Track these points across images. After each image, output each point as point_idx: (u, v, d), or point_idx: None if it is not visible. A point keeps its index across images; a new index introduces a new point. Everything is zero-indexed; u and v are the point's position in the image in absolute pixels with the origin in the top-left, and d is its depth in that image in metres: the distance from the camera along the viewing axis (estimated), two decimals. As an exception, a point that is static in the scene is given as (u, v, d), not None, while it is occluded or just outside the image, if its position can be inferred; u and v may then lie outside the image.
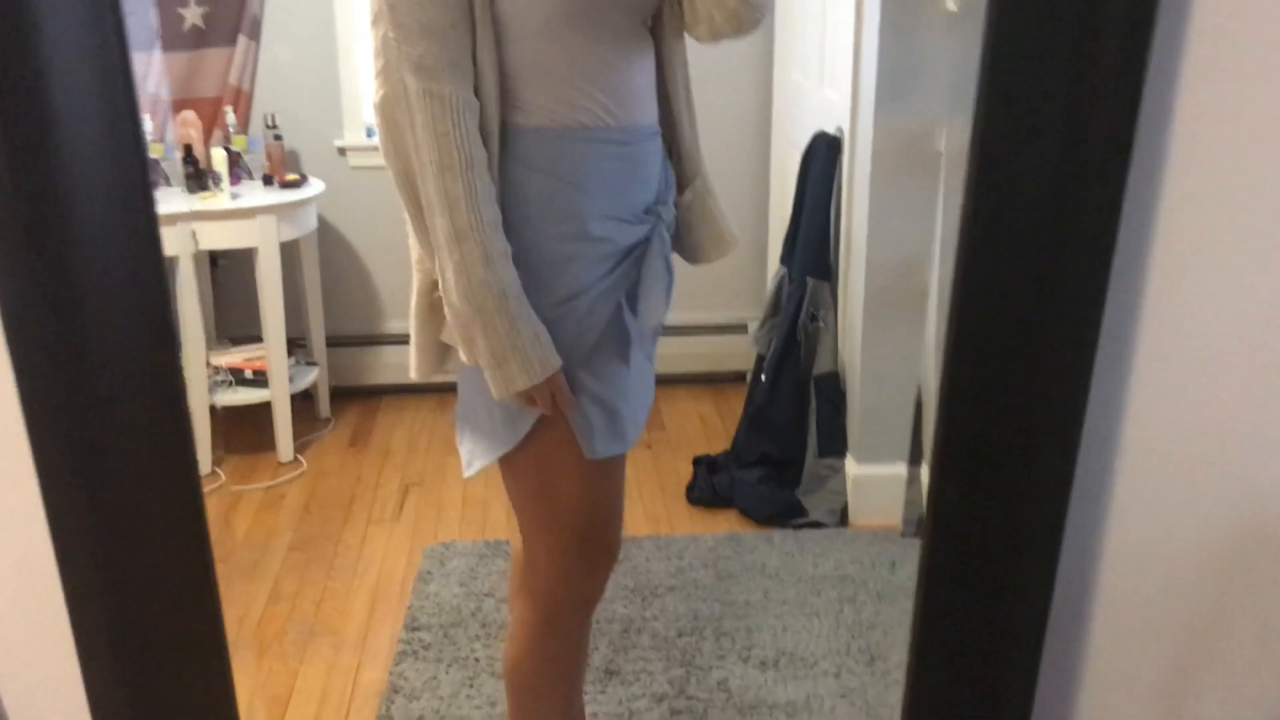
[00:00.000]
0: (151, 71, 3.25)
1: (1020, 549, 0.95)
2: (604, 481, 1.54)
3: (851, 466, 2.89)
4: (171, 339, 0.97)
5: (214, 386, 3.26)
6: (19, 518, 1.02)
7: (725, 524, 2.91)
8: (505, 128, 1.39)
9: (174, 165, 3.16)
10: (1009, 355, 0.90)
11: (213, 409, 3.34)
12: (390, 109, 1.37)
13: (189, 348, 3.08)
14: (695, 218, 1.60)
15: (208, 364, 3.25)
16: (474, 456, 1.55)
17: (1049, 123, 0.82)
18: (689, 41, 1.52)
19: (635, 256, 1.47)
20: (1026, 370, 0.90)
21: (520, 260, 1.38)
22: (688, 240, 1.61)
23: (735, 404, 3.48)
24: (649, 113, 1.48)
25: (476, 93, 1.35)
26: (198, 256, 3.27)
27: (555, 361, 1.38)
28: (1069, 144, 0.82)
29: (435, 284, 1.45)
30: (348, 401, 3.69)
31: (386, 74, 1.36)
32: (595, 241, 1.42)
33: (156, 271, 0.92)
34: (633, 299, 1.48)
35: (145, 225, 0.91)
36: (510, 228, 1.38)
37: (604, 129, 1.41)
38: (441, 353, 1.53)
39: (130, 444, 0.94)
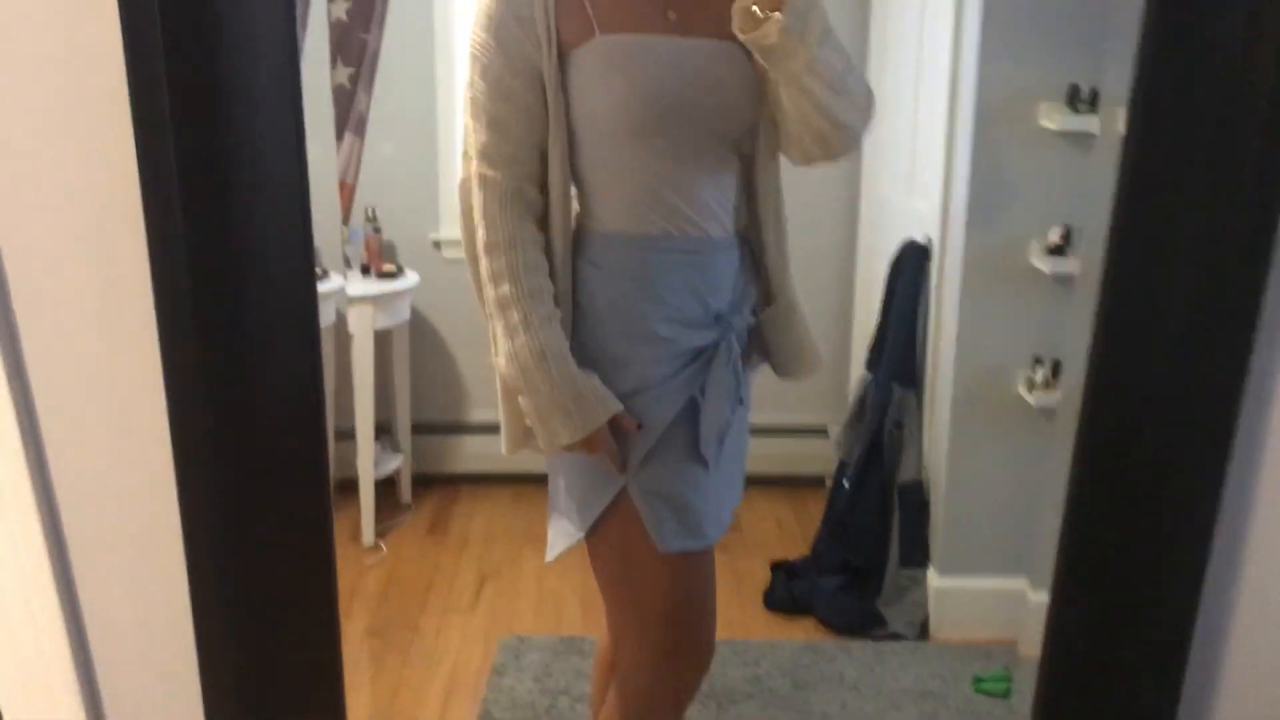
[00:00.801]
0: (337, 157, 3.40)
1: (1141, 678, 0.93)
2: (686, 577, 1.55)
3: (934, 578, 2.84)
4: (321, 414, 1.02)
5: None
6: (159, 566, 1.06)
7: (803, 632, 2.87)
8: (579, 229, 1.51)
9: (356, 249, 3.32)
10: (1137, 481, 0.90)
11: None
12: (464, 191, 1.51)
13: (361, 423, 3.23)
14: (778, 333, 1.64)
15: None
16: (555, 541, 1.61)
17: (1183, 250, 0.83)
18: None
19: (703, 360, 1.52)
20: (1153, 496, 0.89)
21: (587, 355, 1.48)
22: (772, 353, 1.65)
23: (813, 508, 3.45)
24: (724, 225, 1.52)
25: (543, 188, 1.47)
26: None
27: (599, 416, 1.44)
28: (1203, 269, 0.83)
29: None
30: (429, 489, 3.73)
31: (464, 160, 1.50)
32: (659, 342, 1.49)
33: (314, 350, 0.98)
34: (698, 400, 1.53)
35: (307, 305, 0.97)
36: (579, 323, 1.50)
37: (670, 239, 1.48)
38: (527, 430, 1.58)
39: (273, 515, 0.99)
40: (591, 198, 1.51)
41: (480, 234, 1.47)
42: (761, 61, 1.40)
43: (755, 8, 1.33)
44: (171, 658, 1.12)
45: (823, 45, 1.36)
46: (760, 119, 1.51)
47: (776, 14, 1.31)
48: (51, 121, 0.95)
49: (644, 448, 1.50)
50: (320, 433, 1.03)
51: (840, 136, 1.45)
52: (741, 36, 1.35)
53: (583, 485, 1.53)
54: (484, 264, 1.46)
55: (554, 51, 1.42)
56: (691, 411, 1.51)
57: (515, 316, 1.44)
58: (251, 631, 1.07)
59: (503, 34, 1.42)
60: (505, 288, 1.44)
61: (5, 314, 1.00)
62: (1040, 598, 2.53)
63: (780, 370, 1.67)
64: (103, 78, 0.92)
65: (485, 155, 1.45)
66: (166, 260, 0.90)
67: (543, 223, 1.48)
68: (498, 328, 1.46)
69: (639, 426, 1.47)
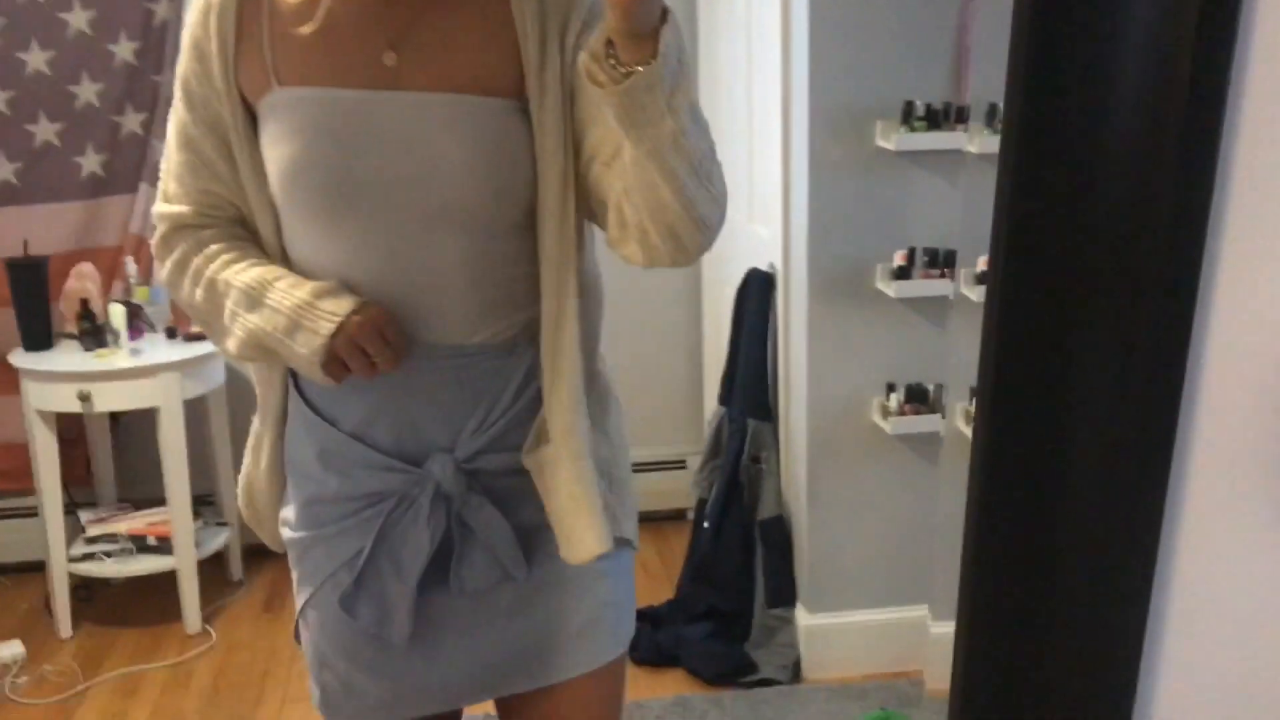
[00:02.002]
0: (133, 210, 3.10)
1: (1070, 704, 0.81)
2: None
3: (803, 616, 2.73)
4: None
5: (112, 554, 3.01)
6: None
7: (672, 685, 2.72)
8: None
9: (160, 310, 3.04)
10: (1039, 495, 0.78)
11: (108, 581, 3.10)
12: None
13: (46, 511, 2.92)
14: (544, 493, 1.23)
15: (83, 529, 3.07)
16: None
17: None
18: None
19: (386, 512, 1.21)
20: (1060, 510, 0.77)
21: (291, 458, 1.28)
22: (551, 519, 1.24)
23: (676, 545, 3.31)
24: (451, 332, 1.20)
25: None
26: (95, 417, 3.07)
27: (325, 320, 1.13)
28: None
29: None
30: (262, 560, 3.44)
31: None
32: (297, 478, 1.27)
33: None
34: (394, 562, 1.22)
35: None
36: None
37: None
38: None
39: None
40: None
41: (160, 277, 1.27)
42: (619, 131, 1.06)
43: (609, 57, 1.00)
44: None
45: (692, 115, 1.06)
46: (542, 195, 1.18)
47: (645, 65, 0.99)
48: None
49: (299, 597, 1.27)
50: None
51: (698, 236, 1.13)
52: (600, 91, 1.02)
53: None
54: (180, 301, 1.25)
55: (235, 103, 1.18)
56: (348, 570, 1.23)
57: (225, 312, 1.19)
58: None
59: (187, 70, 1.19)
60: (200, 305, 1.22)
61: None
62: (942, 629, 2.44)
63: (559, 544, 1.24)
64: None
65: (164, 196, 1.24)
66: None
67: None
68: (226, 344, 1.21)
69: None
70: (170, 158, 1.23)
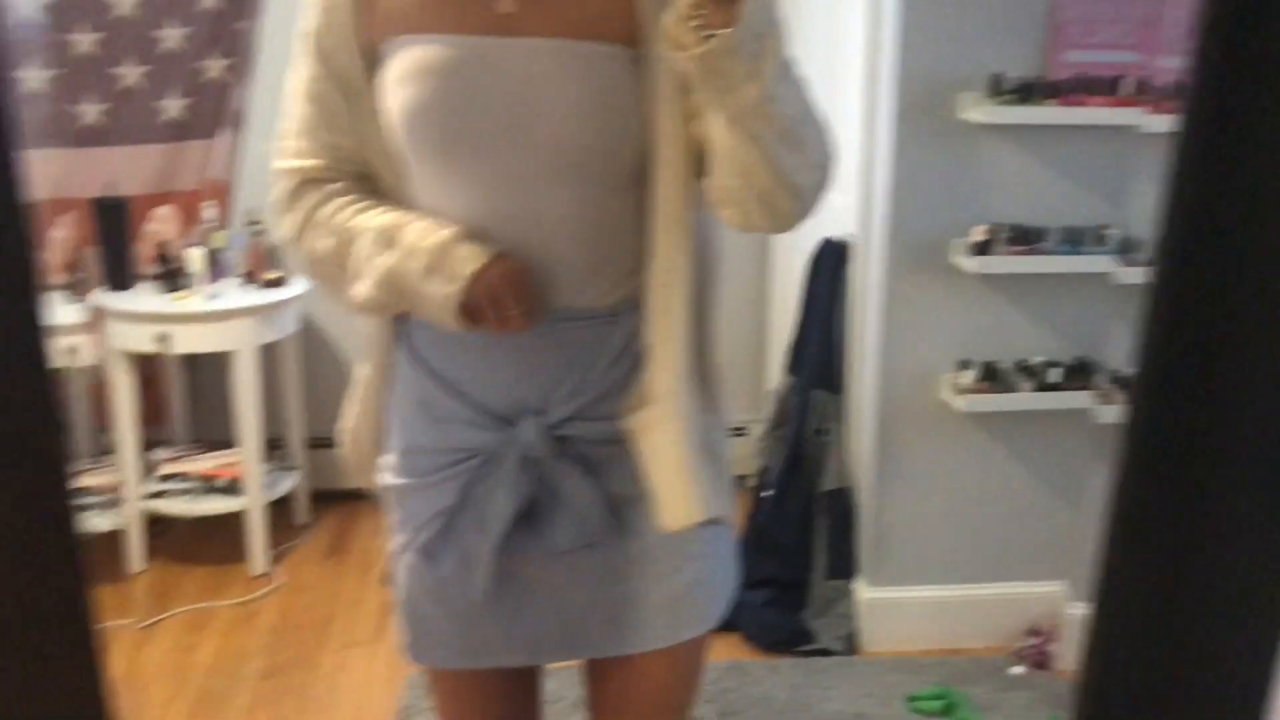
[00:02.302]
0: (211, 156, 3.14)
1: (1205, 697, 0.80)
2: (457, 697, 1.35)
3: (862, 589, 2.72)
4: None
5: (183, 493, 3.08)
6: None
7: (728, 650, 2.73)
8: None
9: (237, 255, 3.06)
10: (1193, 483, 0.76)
11: (178, 520, 3.17)
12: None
13: (121, 448, 2.97)
14: (643, 453, 1.20)
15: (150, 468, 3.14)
16: None
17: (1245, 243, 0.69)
18: None
19: (474, 468, 1.22)
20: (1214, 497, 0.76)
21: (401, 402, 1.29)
22: (647, 483, 1.22)
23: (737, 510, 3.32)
24: (565, 290, 1.18)
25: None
26: (170, 359, 3.13)
27: (463, 266, 1.12)
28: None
29: None
30: (327, 506, 3.50)
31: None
32: (397, 428, 1.28)
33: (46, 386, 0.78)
34: (478, 518, 1.23)
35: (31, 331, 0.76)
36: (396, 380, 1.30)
37: None
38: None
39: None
40: None
41: (282, 232, 1.27)
42: (701, 95, 1.05)
43: (693, 19, 0.99)
44: None
45: (781, 80, 1.03)
46: (657, 146, 1.14)
47: (724, 30, 0.98)
48: None
49: (396, 543, 1.30)
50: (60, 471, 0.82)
51: (793, 203, 1.10)
52: (677, 55, 1.01)
53: None
54: (299, 259, 1.26)
55: (357, 55, 1.18)
56: (437, 520, 1.25)
57: (358, 256, 1.18)
58: None
59: (313, 27, 1.20)
60: (329, 253, 1.21)
61: None
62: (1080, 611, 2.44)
63: (653, 509, 1.23)
64: None
65: (288, 153, 1.23)
66: None
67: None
68: (356, 289, 1.20)
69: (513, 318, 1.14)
70: (294, 114, 1.23)
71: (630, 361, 1.20)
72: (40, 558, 0.80)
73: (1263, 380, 0.71)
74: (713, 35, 0.98)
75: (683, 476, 1.19)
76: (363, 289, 1.19)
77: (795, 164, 1.07)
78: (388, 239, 1.16)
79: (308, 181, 1.23)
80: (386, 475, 1.31)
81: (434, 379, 1.23)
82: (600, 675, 1.35)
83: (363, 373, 1.34)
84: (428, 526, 1.25)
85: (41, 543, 0.78)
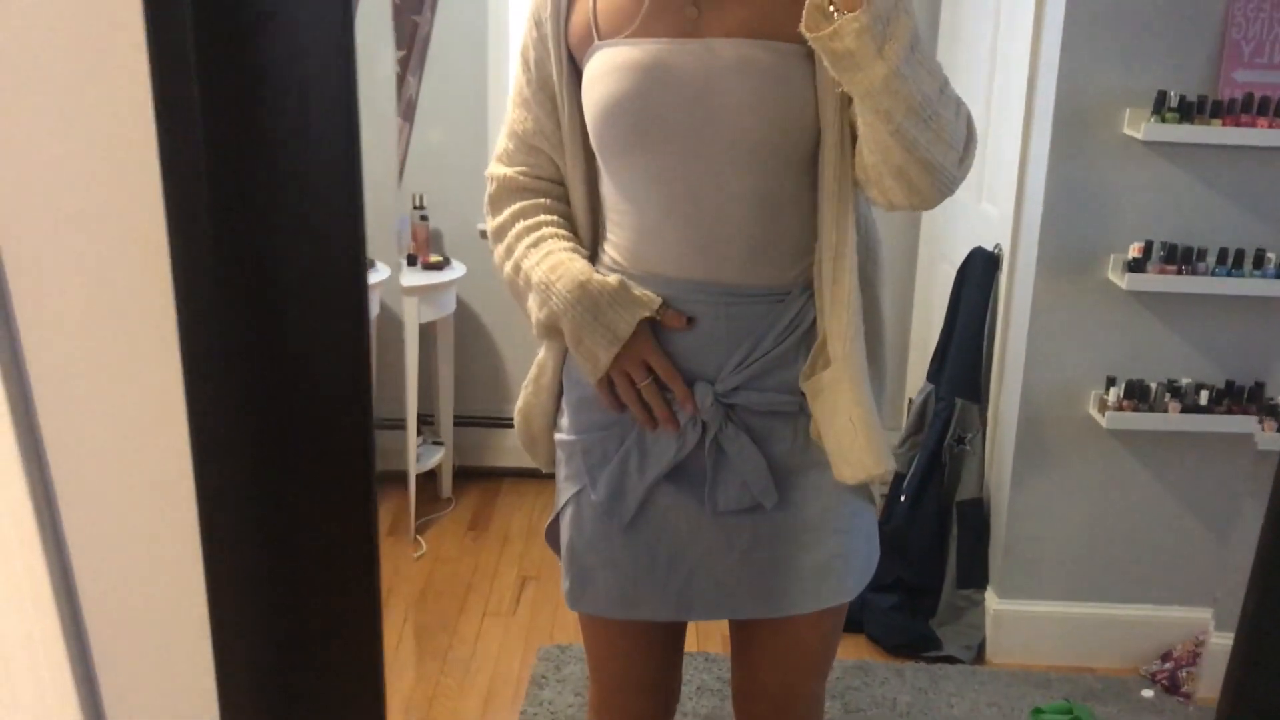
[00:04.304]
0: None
1: None
2: (597, 637, 1.47)
3: (992, 600, 2.73)
4: (368, 401, 0.94)
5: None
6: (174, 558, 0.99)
7: (854, 650, 2.77)
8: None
9: (402, 238, 3.26)
10: None
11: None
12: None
13: (408, 416, 3.18)
14: (822, 413, 1.29)
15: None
16: None
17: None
18: None
19: (628, 427, 1.35)
20: None
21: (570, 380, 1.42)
22: (825, 443, 1.31)
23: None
24: (746, 269, 1.28)
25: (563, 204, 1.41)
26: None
27: (625, 319, 1.28)
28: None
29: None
30: (469, 483, 3.66)
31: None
32: (573, 385, 1.41)
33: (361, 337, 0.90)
34: (641, 461, 1.35)
35: (357, 295, 0.88)
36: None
37: (667, 281, 1.31)
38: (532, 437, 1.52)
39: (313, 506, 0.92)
40: (602, 230, 1.39)
41: (489, 228, 1.44)
42: (833, 75, 1.13)
43: (828, 5, 1.08)
44: (183, 668, 1.05)
45: (909, 60, 1.10)
46: (824, 133, 1.24)
47: (853, 13, 1.06)
48: (67, 109, 0.86)
49: (560, 496, 1.43)
50: (367, 424, 0.94)
51: (928, 179, 1.17)
52: (809, 37, 1.10)
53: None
54: (495, 255, 1.42)
55: (562, 62, 1.32)
56: (607, 474, 1.36)
57: (526, 270, 1.36)
58: (279, 637, 0.99)
59: (527, 39, 1.37)
60: (511, 260, 1.38)
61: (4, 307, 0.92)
62: (1223, 640, 2.45)
63: (832, 466, 1.31)
64: (123, 60, 0.83)
65: (499, 157, 1.44)
66: (189, 252, 0.81)
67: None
68: (529, 302, 1.37)
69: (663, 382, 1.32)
70: (508, 119, 1.41)
71: (797, 337, 1.30)
72: (342, 494, 0.92)
73: None
74: (841, 16, 1.07)
75: (865, 432, 1.27)
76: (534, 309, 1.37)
77: (927, 140, 1.15)
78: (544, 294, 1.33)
79: (508, 190, 1.40)
80: (558, 435, 1.44)
81: None
82: (746, 637, 1.46)
83: (541, 354, 1.45)
84: (596, 478, 1.36)
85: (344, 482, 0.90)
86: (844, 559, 1.37)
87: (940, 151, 1.17)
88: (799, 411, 1.32)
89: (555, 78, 1.33)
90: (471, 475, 3.69)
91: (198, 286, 0.82)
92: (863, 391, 1.27)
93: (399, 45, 3.31)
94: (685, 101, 1.23)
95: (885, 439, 1.30)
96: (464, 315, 3.57)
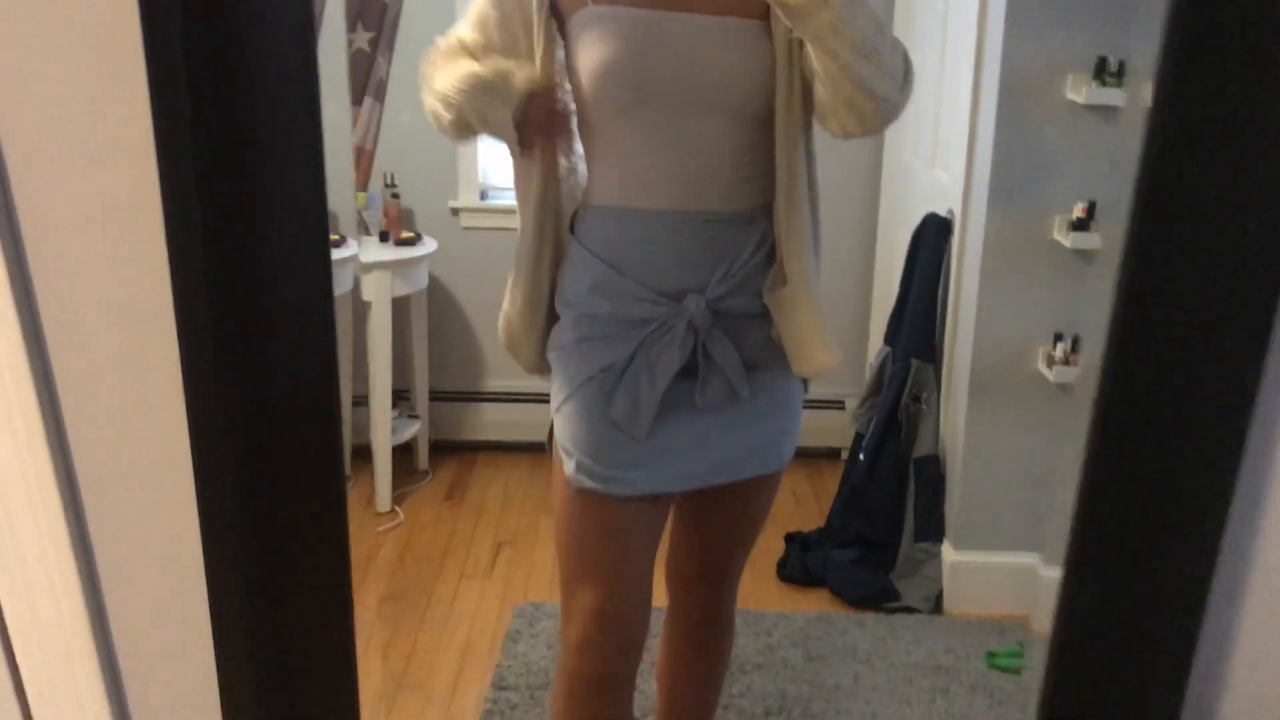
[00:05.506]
0: (355, 122, 3.41)
1: (1151, 656, 0.93)
2: (591, 515, 1.58)
3: (949, 552, 2.83)
4: (334, 374, 1.03)
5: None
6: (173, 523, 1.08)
7: (816, 603, 2.87)
8: (581, 205, 1.60)
9: (375, 215, 3.34)
10: (1153, 458, 0.89)
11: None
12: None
13: (378, 389, 3.27)
14: (784, 321, 1.56)
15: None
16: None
17: (1207, 226, 0.82)
18: None
19: (647, 333, 1.53)
20: (1169, 474, 0.89)
21: (561, 298, 1.61)
22: (785, 343, 1.58)
23: (829, 481, 3.45)
24: (722, 199, 1.51)
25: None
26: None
27: (509, 88, 1.48)
28: (1228, 245, 0.82)
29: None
30: (446, 455, 3.75)
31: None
32: (570, 305, 1.57)
33: (327, 311, 0.99)
34: (649, 370, 1.54)
35: (322, 267, 0.97)
36: (560, 280, 1.61)
37: (657, 212, 1.51)
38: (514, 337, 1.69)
39: (289, 471, 1.00)
40: (589, 169, 1.57)
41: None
42: (788, 24, 1.38)
43: None
44: (188, 629, 1.14)
45: (849, 6, 1.33)
46: (778, 93, 1.48)
47: None
48: (66, 90, 0.94)
49: (560, 396, 1.59)
50: (333, 397, 1.03)
51: (873, 106, 1.41)
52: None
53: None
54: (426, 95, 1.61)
55: (544, 17, 1.49)
56: (607, 377, 1.54)
57: (439, 88, 1.56)
58: (265, 596, 1.08)
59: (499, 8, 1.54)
60: (429, 86, 1.59)
61: (27, 297, 1.01)
62: (1052, 573, 2.52)
63: (792, 364, 1.59)
64: (118, 45, 0.92)
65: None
66: (181, 227, 0.90)
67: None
68: (435, 105, 1.58)
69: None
70: (458, 30, 1.60)
71: (763, 254, 1.55)
72: (311, 465, 1.01)
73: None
74: None
75: (819, 334, 1.55)
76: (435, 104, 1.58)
77: (870, 72, 1.37)
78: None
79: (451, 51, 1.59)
80: (551, 351, 1.61)
81: (609, 266, 1.52)
82: (694, 510, 1.72)
83: (512, 273, 1.64)
84: (598, 378, 1.53)
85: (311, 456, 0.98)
86: (788, 432, 1.66)
87: (882, 81, 1.39)
88: (764, 314, 1.56)
89: (536, 31, 1.49)
90: (448, 448, 3.78)
91: (193, 288, 0.91)
92: (816, 303, 1.54)
93: (367, 27, 3.38)
94: (678, 67, 1.44)
95: (834, 338, 1.57)
96: (436, 291, 3.65)
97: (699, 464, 1.59)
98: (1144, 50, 2.42)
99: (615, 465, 1.54)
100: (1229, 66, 0.78)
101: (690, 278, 1.52)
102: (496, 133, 1.53)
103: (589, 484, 1.54)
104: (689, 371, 1.54)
